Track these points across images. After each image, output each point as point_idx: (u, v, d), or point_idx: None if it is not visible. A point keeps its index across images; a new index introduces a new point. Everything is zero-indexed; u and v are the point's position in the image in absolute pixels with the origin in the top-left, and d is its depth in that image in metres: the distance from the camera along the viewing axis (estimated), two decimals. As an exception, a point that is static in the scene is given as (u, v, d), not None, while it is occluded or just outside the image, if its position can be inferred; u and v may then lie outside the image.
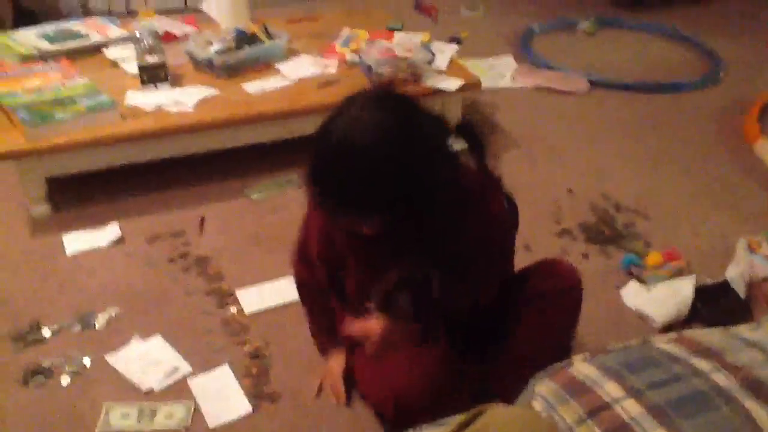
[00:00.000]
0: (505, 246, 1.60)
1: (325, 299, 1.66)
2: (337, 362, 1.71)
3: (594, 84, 3.31)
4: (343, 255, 1.49)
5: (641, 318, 1.94)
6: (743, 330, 1.09)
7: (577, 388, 0.94)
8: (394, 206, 1.25)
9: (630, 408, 0.89)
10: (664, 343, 1.04)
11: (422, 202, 1.25)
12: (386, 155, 1.20)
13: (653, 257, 2.10)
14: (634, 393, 0.91)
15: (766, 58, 3.70)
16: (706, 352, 1.00)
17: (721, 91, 3.31)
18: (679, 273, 2.04)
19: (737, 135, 2.87)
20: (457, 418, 0.89)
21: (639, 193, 2.49)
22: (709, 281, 2.00)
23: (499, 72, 3.42)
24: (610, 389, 0.93)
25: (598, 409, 0.89)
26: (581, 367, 0.99)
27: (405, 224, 1.32)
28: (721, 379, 0.94)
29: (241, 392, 1.69)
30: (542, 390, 0.96)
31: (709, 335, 1.06)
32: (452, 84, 2.61)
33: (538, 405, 0.94)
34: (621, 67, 3.52)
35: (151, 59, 2.50)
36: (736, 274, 2.01)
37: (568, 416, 0.90)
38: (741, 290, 1.96)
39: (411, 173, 1.22)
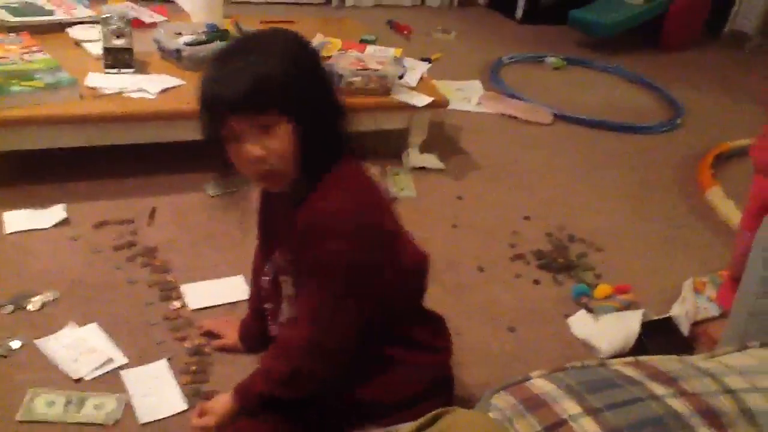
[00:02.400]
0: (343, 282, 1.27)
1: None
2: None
3: (558, 117, 3.35)
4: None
5: (587, 347, 1.95)
6: (697, 359, 1.09)
7: (535, 403, 0.92)
8: (290, 101, 1.19)
9: (587, 426, 0.87)
10: (621, 366, 1.03)
11: (313, 120, 1.22)
12: (283, 50, 1.22)
13: (603, 289, 2.12)
14: (592, 412, 0.90)
15: (723, 109, 3.82)
16: (663, 377, 0.99)
17: (679, 137, 3.40)
18: (627, 306, 2.05)
19: (692, 180, 2.94)
20: (412, 424, 0.86)
21: (594, 227, 2.52)
22: (654, 317, 2.02)
23: (466, 96, 3.44)
24: (568, 406, 0.91)
25: (554, 425, 0.87)
26: (539, 382, 0.97)
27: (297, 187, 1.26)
28: (678, 404, 0.93)
29: (178, 389, 1.62)
30: (498, 402, 0.94)
31: (665, 362, 1.05)
32: (421, 100, 2.61)
33: (493, 417, 0.92)
34: (584, 104, 3.58)
35: (118, 42, 2.43)
36: (680, 312, 2.03)
37: (525, 430, 0.87)
38: (685, 328, 1.99)
39: (306, 72, 1.22)
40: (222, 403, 1.40)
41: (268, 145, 1.20)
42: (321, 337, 1.28)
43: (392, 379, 1.40)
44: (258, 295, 1.63)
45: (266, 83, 1.17)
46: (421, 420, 0.86)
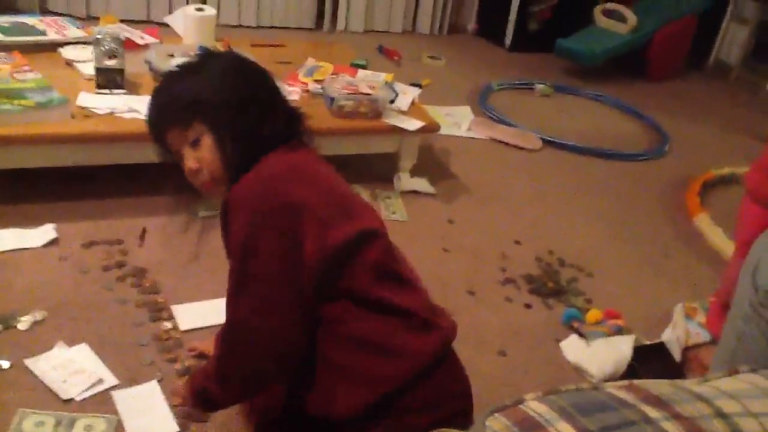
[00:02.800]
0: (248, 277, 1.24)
1: None
2: None
3: (546, 143, 3.39)
4: None
5: (579, 372, 1.95)
6: (690, 384, 1.10)
7: (529, 425, 0.92)
8: (206, 113, 1.32)
9: (582, 448, 0.87)
10: (615, 389, 1.03)
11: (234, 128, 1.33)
12: (209, 66, 1.38)
13: (593, 314, 2.13)
14: (587, 434, 0.90)
15: (708, 137, 3.87)
16: (656, 401, 0.99)
17: (665, 165, 3.44)
18: (618, 331, 2.06)
19: (679, 207, 2.97)
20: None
21: (583, 252, 2.54)
22: (646, 342, 2.03)
23: (456, 121, 3.47)
24: (562, 428, 0.91)
25: (550, 447, 0.87)
26: (533, 404, 0.97)
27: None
28: (671, 428, 0.93)
29: (168, 410, 1.60)
30: (493, 425, 0.94)
31: (658, 386, 1.06)
32: (412, 124, 2.63)
33: (489, 438, 0.92)
34: (573, 131, 3.62)
35: (110, 63, 2.44)
36: (672, 337, 2.05)
37: (520, 452, 0.88)
38: (676, 353, 2.00)
39: (225, 84, 1.34)
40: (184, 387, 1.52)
41: (199, 157, 1.34)
42: (238, 315, 1.27)
43: (340, 388, 1.26)
44: None
45: (181, 99, 1.34)
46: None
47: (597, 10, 4.55)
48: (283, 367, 1.29)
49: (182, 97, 1.34)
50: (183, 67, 1.41)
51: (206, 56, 1.50)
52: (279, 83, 1.45)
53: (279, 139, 1.36)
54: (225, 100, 1.33)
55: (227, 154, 1.33)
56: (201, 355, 1.77)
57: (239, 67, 1.41)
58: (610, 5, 4.55)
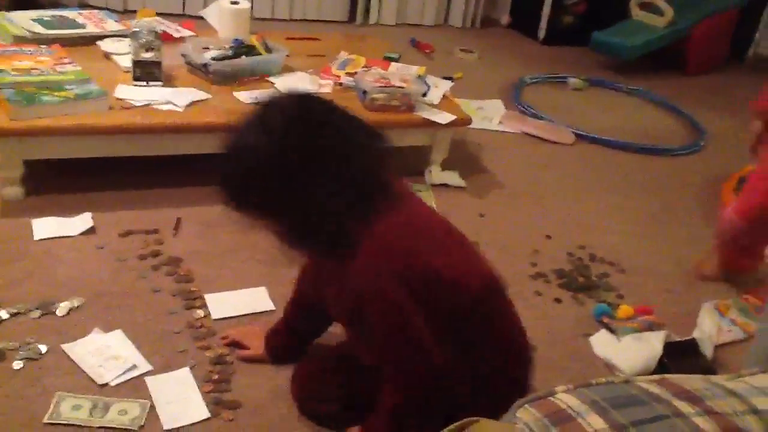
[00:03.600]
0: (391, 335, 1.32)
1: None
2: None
3: (579, 137, 3.36)
4: None
5: (609, 367, 1.94)
6: (723, 380, 1.09)
7: (560, 418, 0.93)
8: (273, 208, 1.28)
9: (612, 441, 0.87)
10: (646, 384, 1.03)
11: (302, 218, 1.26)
12: (268, 155, 1.23)
13: (625, 309, 2.11)
14: (618, 428, 0.90)
15: (746, 133, 3.79)
16: (689, 396, 0.99)
17: (701, 160, 3.39)
18: (649, 327, 2.04)
19: (714, 203, 2.93)
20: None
21: (615, 247, 2.52)
22: (677, 338, 2.01)
23: (488, 115, 3.46)
24: (593, 421, 0.91)
25: (580, 439, 0.87)
26: (564, 397, 0.97)
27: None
28: (703, 423, 0.93)
29: (200, 397, 1.63)
30: (524, 417, 0.94)
31: (691, 381, 1.05)
32: (444, 118, 2.63)
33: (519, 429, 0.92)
34: (605, 125, 3.58)
35: (148, 56, 2.48)
36: (703, 335, 2.02)
37: (550, 443, 0.88)
38: (708, 351, 1.98)
39: (289, 179, 1.23)
40: None
41: (274, 233, 1.32)
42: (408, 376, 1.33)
43: None
44: (297, 314, 1.68)
45: (230, 186, 1.29)
46: (448, 429, 0.87)
47: (633, 3, 4.48)
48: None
49: (230, 184, 1.29)
50: (233, 139, 1.28)
51: (257, 123, 1.27)
52: (354, 116, 1.32)
53: (369, 201, 1.26)
54: (281, 183, 1.23)
55: (301, 237, 1.29)
56: (233, 344, 1.80)
57: (300, 131, 1.24)
58: (646, -2, 4.49)
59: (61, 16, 2.90)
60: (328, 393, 1.58)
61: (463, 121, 2.72)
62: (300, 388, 1.63)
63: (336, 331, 1.71)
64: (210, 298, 1.96)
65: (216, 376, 1.71)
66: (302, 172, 1.23)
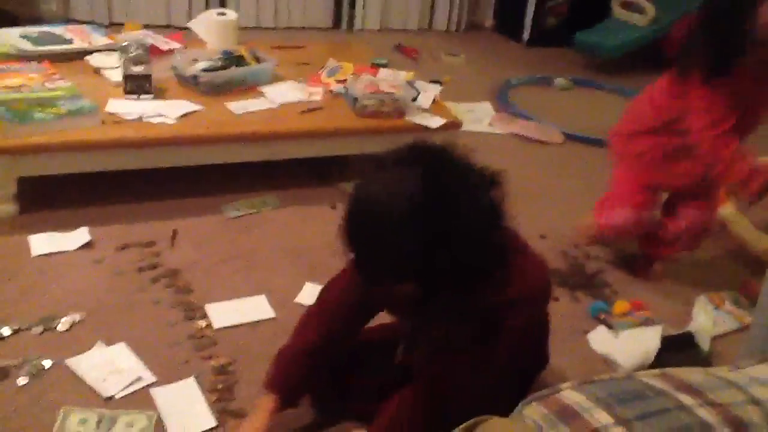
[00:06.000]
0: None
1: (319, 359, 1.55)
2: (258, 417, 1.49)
3: (568, 137, 3.40)
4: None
5: (607, 363, 1.97)
6: (722, 371, 1.11)
7: (567, 414, 0.95)
8: (422, 276, 1.24)
9: (619, 435, 0.90)
10: (648, 378, 1.05)
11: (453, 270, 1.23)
12: (413, 227, 1.18)
13: (620, 305, 2.15)
14: (623, 422, 0.92)
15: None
16: (690, 389, 1.01)
17: (687, 156, 3.42)
18: (645, 322, 2.07)
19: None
20: (455, 430, 0.89)
21: (609, 244, 2.54)
22: (673, 332, 2.04)
23: (477, 117, 3.49)
24: (599, 416, 0.94)
25: (588, 434, 0.90)
26: (569, 393, 1.00)
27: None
28: (706, 414, 0.95)
29: (206, 406, 1.65)
30: (531, 414, 0.97)
31: (691, 373, 1.08)
32: (435, 122, 2.65)
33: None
34: (594, 124, 3.61)
35: (138, 69, 2.49)
36: (698, 328, 2.06)
37: (559, 439, 0.90)
38: (705, 344, 2.01)
39: (438, 243, 1.19)
40: None
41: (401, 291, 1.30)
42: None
43: None
44: (327, 344, 1.54)
45: (382, 270, 1.25)
46: (461, 427, 0.89)
47: (614, 2, 4.53)
48: None
49: (364, 265, 1.26)
50: (369, 219, 1.22)
51: (387, 189, 1.22)
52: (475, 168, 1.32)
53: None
54: (422, 257, 1.20)
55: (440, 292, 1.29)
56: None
57: (440, 191, 1.20)
58: (628, -4, 4.54)
59: (48, 32, 2.90)
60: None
61: (454, 125, 2.74)
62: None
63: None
64: (210, 308, 1.97)
65: (220, 386, 1.72)
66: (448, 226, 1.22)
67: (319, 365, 1.54)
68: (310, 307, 1.62)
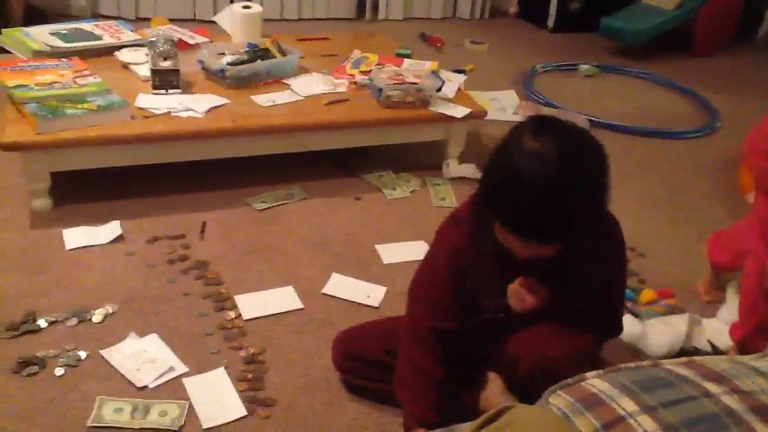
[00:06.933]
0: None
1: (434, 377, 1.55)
2: None
3: (593, 124, 3.38)
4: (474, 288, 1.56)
5: (633, 352, 1.97)
6: (749, 359, 1.12)
7: (592, 402, 0.96)
8: (566, 235, 1.31)
9: (644, 423, 0.91)
10: (674, 366, 1.06)
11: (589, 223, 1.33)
12: (566, 185, 1.26)
13: (647, 293, 2.14)
14: (649, 409, 0.93)
15: (761, 113, 3.79)
16: (716, 377, 1.02)
17: (714, 142, 3.40)
18: (671, 310, 2.07)
19: (731, 185, 2.94)
20: (473, 423, 0.91)
21: (635, 232, 2.53)
22: (701, 320, 2.03)
23: (502, 105, 3.48)
24: (625, 404, 0.95)
25: (613, 422, 0.91)
26: (595, 382, 1.01)
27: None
28: (731, 402, 0.96)
29: (237, 395, 1.68)
30: (557, 402, 0.98)
31: (717, 362, 1.08)
32: (459, 111, 2.66)
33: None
34: (619, 111, 3.60)
35: (165, 64, 2.53)
36: (730, 315, 2.04)
37: (584, 428, 0.91)
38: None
39: (588, 197, 1.32)
40: None
41: (536, 251, 1.34)
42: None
43: None
44: (441, 359, 1.56)
45: (556, 225, 1.28)
46: (486, 415, 0.90)
47: (641, -13, 4.49)
48: None
49: (554, 222, 1.29)
50: (545, 173, 1.26)
51: (556, 162, 1.28)
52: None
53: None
54: (580, 218, 1.30)
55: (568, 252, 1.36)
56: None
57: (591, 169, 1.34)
58: (654, -19, 4.49)
59: (77, 28, 2.95)
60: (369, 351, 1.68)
61: (479, 114, 2.74)
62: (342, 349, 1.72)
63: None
64: (240, 299, 2.01)
65: (250, 375, 1.75)
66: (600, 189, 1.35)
67: (441, 380, 1.55)
68: (403, 323, 1.63)
